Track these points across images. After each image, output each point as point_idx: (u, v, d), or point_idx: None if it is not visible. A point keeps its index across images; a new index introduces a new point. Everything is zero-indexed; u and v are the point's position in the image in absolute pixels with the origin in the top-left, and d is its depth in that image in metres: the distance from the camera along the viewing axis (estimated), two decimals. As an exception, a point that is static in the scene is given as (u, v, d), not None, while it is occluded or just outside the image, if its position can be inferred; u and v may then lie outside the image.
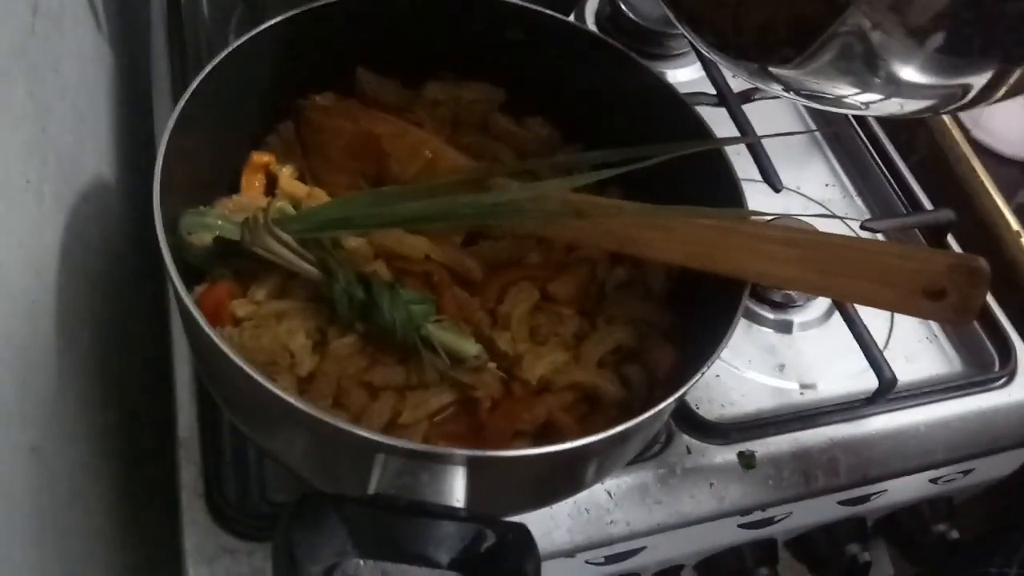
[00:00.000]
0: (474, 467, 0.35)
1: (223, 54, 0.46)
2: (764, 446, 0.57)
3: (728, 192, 0.47)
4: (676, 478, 0.55)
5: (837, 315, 0.63)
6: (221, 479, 0.49)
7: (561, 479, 0.42)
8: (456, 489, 0.34)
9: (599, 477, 0.46)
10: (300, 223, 0.43)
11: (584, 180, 0.44)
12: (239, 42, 0.47)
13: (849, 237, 0.48)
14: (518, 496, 0.42)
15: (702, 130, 0.50)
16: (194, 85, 0.43)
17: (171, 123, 0.42)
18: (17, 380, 0.40)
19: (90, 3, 0.61)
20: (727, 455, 0.56)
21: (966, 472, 0.64)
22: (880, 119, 0.77)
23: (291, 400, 0.34)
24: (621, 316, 0.49)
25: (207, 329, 0.35)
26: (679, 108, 0.51)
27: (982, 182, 0.75)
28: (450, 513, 0.34)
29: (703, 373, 0.40)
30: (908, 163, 0.77)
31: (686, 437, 0.57)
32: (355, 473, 0.36)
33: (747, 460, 0.56)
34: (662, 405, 0.39)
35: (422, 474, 0.34)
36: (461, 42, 0.55)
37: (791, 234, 0.41)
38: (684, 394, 0.41)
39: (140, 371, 0.60)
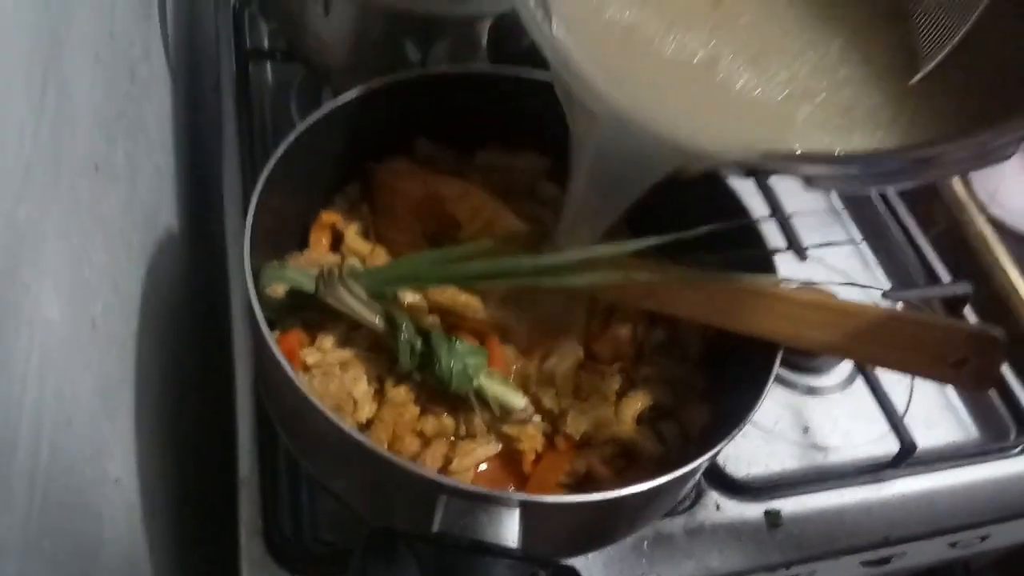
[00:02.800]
0: (527, 510, 0.38)
1: (300, 128, 0.50)
2: (790, 505, 0.60)
3: (760, 260, 0.51)
4: (705, 533, 0.58)
5: (859, 381, 0.66)
6: (279, 518, 0.53)
7: (602, 527, 0.45)
8: (511, 531, 0.37)
9: (637, 527, 0.49)
10: (370, 278, 0.47)
11: (631, 247, 0.48)
12: (313, 118, 0.51)
13: (876, 306, 0.51)
14: (564, 540, 0.45)
15: (736, 203, 0.54)
16: (280, 151, 0.48)
17: (258, 189, 0.46)
18: (109, 416, 0.43)
19: (170, 69, 0.67)
20: (754, 512, 0.59)
21: (983, 538, 0.66)
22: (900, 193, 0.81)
23: (373, 447, 0.37)
24: (658, 375, 0.52)
25: (293, 376, 0.39)
26: (713, 180, 0.55)
27: (997, 257, 0.78)
28: (508, 553, 0.37)
29: (737, 432, 0.43)
30: (928, 236, 0.80)
31: (715, 494, 0.59)
32: (417, 512, 0.39)
33: (773, 518, 0.59)
34: (698, 462, 0.42)
35: (481, 515, 0.38)
36: (511, 115, 0.59)
37: (822, 300, 0.45)
38: (718, 453, 0.44)
39: (200, 413, 0.64)
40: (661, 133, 0.39)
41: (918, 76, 0.39)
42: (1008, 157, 0.34)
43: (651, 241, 0.48)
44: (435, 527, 0.37)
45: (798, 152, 0.38)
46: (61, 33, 0.36)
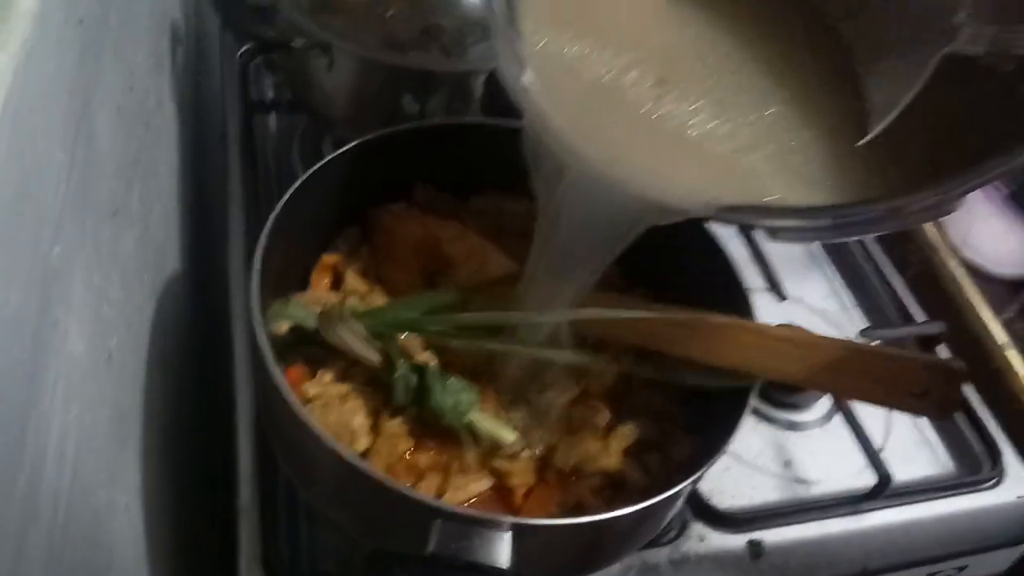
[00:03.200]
0: (518, 532, 0.40)
1: (303, 177, 0.54)
2: (771, 536, 0.62)
3: (738, 300, 0.54)
4: (690, 563, 0.60)
5: (838, 417, 0.69)
6: (277, 547, 0.54)
7: (591, 550, 0.47)
8: (503, 553, 0.40)
9: (624, 553, 0.51)
10: (368, 319, 0.50)
11: (607, 315, 0.51)
12: (315, 168, 0.55)
13: (843, 340, 0.53)
14: (554, 564, 0.47)
15: (716, 248, 0.57)
16: (284, 199, 0.51)
17: (265, 233, 0.49)
18: (120, 446, 0.46)
19: (180, 118, 0.70)
20: (737, 543, 0.61)
21: (960, 568, 0.68)
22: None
23: (371, 471, 0.40)
24: (645, 410, 0.55)
25: (296, 405, 0.41)
26: (697, 227, 0.59)
27: (968, 298, 0.82)
28: (499, 574, 0.39)
29: (716, 459, 0.46)
30: (904, 278, 0.84)
31: (699, 525, 0.61)
32: (412, 536, 0.41)
33: (755, 548, 0.61)
34: (679, 487, 0.45)
35: (474, 538, 0.40)
36: (503, 162, 0.63)
37: (796, 335, 0.48)
38: (699, 479, 0.46)
39: (201, 444, 0.66)
40: (628, 187, 0.41)
41: (867, 138, 0.42)
42: (949, 212, 0.37)
43: (624, 314, 0.51)
44: (429, 550, 0.40)
45: (756, 205, 0.41)
46: (91, 91, 0.39)
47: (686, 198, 0.41)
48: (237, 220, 0.70)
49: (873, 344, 0.73)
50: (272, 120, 0.82)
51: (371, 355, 0.49)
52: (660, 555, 0.59)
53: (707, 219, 0.43)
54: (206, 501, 0.65)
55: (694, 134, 0.44)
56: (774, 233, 0.41)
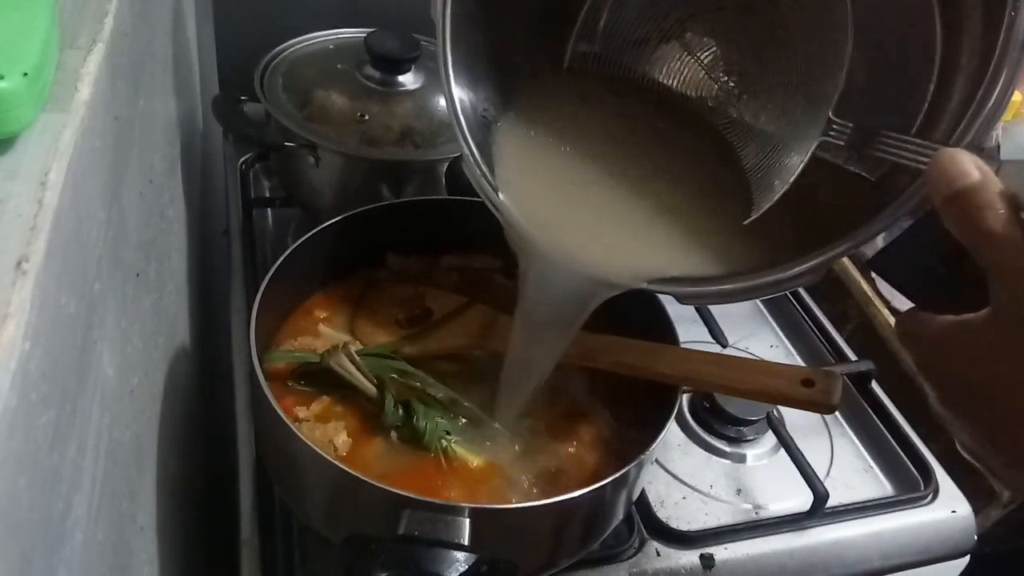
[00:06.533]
0: (475, 515, 0.48)
1: (289, 249, 0.64)
2: (722, 551, 0.68)
3: (668, 332, 0.63)
4: (648, 577, 0.66)
5: (782, 452, 0.77)
6: (276, 574, 0.61)
7: (546, 538, 0.54)
8: (463, 532, 0.47)
9: (586, 542, 0.59)
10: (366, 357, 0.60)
11: None
12: (298, 243, 0.65)
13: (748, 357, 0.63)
14: (513, 546, 0.54)
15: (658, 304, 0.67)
16: (271, 273, 0.61)
17: (255, 309, 0.58)
18: (140, 470, 0.54)
19: (189, 212, 0.81)
20: (690, 558, 0.68)
21: (905, 582, 0.74)
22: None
23: (348, 468, 0.48)
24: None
25: (283, 416, 0.50)
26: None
27: (898, 342, 0.91)
28: (459, 547, 0.46)
29: (655, 445, 0.54)
30: (843, 331, 0.93)
31: (655, 543, 0.68)
32: (384, 525, 0.49)
33: (707, 561, 0.67)
34: (616, 476, 0.53)
35: (438, 522, 0.48)
36: (468, 228, 0.74)
37: (710, 355, 0.57)
38: (636, 465, 0.54)
39: (207, 483, 0.73)
40: (573, 266, 0.55)
41: (751, 218, 0.56)
42: (816, 281, 0.48)
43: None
44: (400, 531, 0.47)
45: (670, 277, 0.53)
46: (122, 173, 0.50)
47: (619, 273, 0.54)
48: (239, 297, 0.80)
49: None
50: (269, 215, 0.94)
51: (367, 383, 0.58)
52: (620, 570, 0.66)
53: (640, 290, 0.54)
54: (211, 533, 0.72)
55: (624, 228, 0.59)
56: (680, 299, 0.52)
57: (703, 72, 0.65)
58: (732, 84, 0.64)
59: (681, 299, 0.54)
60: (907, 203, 0.44)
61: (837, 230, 0.49)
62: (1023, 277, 0.36)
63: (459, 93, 0.58)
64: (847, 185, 0.54)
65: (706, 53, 0.64)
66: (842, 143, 0.54)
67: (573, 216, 0.59)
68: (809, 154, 0.57)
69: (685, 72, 0.66)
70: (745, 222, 0.59)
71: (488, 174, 0.58)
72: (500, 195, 0.58)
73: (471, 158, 0.57)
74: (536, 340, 0.59)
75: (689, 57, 0.65)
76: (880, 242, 0.47)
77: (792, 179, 0.58)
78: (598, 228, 0.59)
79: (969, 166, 0.38)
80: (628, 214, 0.59)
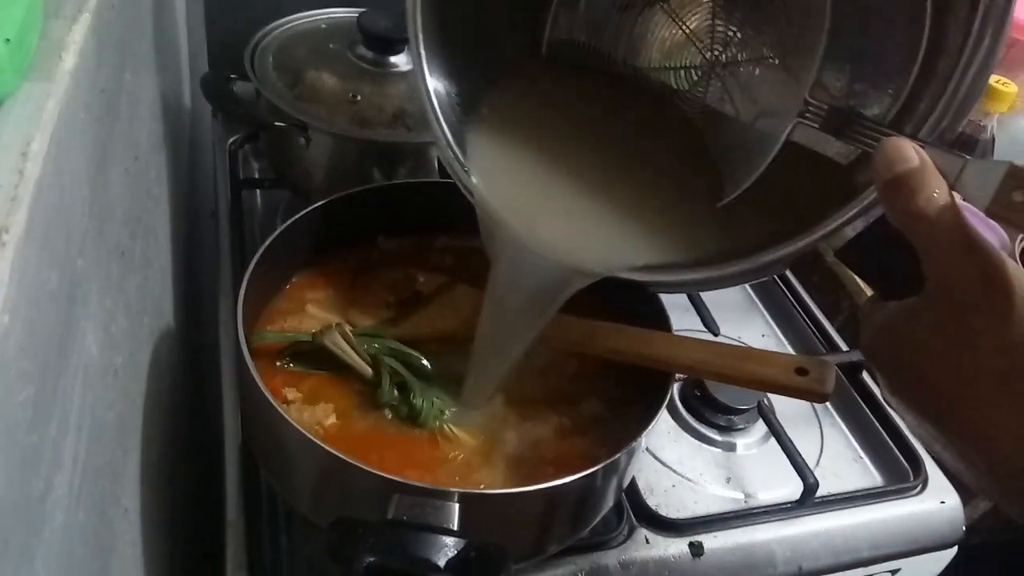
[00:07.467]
0: (464, 500, 0.47)
1: (279, 230, 0.63)
2: (711, 539, 0.68)
3: (661, 319, 0.63)
4: (636, 565, 0.66)
5: (772, 441, 0.76)
6: (262, 557, 0.61)
7: (534, 524, 0.54)
8: (452, 517, 0.47)
9: (576, 528, 0.59)
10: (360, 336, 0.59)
11: None
12: (288, 222, 0.64)
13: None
14: (502, 532, 0.53)
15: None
16: (260, 252, 0.60)
17: (243, 288, 0.57)
18: (123, 451, 0.53)
19: (176, 191, 0.80)
20: (680, 546, 0.67)
21: (894, 572, 0.74)
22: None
23: (337, 452, 0.47)
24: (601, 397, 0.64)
25: (270, 397, 0.49)
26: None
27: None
28: (447, 532, 0.46)
29: (644, 431, 0.54)
30: (835, 322, 0.93)
31: (645, 531, 0.68)
32: (373, 509, 0.48)
33: (696, 549, 0.67)
34: (605, 463, 0.52)
35: (427, 507, 0.47)
36: (461, 212, 0.73)
37: (704, 342, 0.57)
38: (625, 451, 0.53)
39: (193, 466, 0.73)
40: (543, 251, 0.55)
41: (722, 203, 0.57)
42: (784, 271, 0.48)
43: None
44: (389, 515, 0.46)
45: (641, 265, 0.54)
46: (107, 147, 0.49)
47: (591, 262, 0.54)
48: (226, 279, 0.79)
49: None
50: (258, 196, 0.93)
51: (358, 360, 0.58)
52: (609, 557, 0.65)
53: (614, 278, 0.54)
54: (197, 515, 0.71)
55: (595, 216, 0.59)
56: (650, 287, 0.53)
57: (686, 39, 0.64)
58: (717, 52, 0.63)
59: (651, 287, 0.54)
60: (872, 193, 0.45)
61: (809, 219, 0.49)
62: (951, 257, 0.37)
63: (433, 81, 0.59)
64: (820, 174, 0.53)
65: (692, 18, 0.64)
66: (816, 126, 0.54)
67: (545, 202, 0.60)
68: (783, 138, 0.57)
69: (668, 40, 0.65)
70: (717, 206, 0.59)
71: (460, 156, 0.58)
72: (473, 178, 0.58)
73: (443, 140, 0.58)
74: (506, 327, 0.59)
75: (673, 25, 0.64)
76: (851, 232, 0.47)
77: (764, 166, 0.58)
78: (569, 215, 0.59)
79: (909, 152, 0.39)
80: (600, 202, 0.59)
